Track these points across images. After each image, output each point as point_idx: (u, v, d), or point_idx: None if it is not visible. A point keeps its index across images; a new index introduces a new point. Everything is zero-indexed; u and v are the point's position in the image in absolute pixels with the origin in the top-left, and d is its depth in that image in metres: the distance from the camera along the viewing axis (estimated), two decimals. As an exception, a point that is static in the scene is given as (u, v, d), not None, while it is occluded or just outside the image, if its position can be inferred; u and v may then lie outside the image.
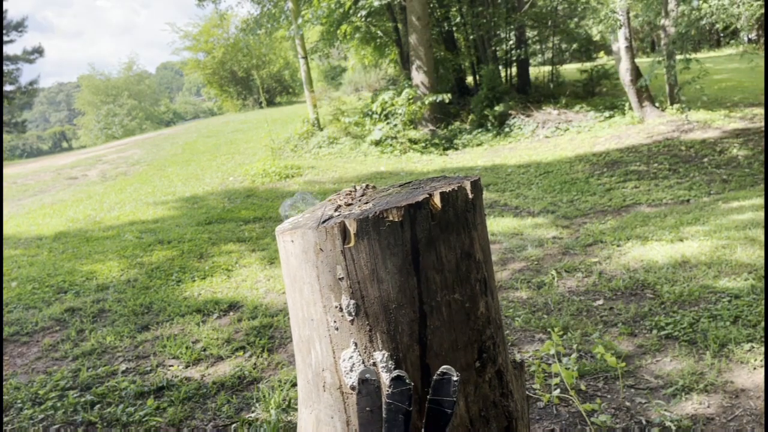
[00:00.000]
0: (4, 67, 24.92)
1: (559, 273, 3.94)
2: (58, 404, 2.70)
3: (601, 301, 3.39)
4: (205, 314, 3.79)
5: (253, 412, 2.54)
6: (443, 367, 0.78)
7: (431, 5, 13.82)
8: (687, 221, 4.90)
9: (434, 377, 0.78)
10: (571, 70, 15.88)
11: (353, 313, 0.81)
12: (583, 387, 2.47)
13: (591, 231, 5.05)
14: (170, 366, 3.07)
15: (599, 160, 8.74)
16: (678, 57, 10.08)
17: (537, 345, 2.92)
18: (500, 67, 14.68)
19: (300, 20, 12.65)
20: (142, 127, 34.86)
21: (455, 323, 0.84)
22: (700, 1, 9.39)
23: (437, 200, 0.81)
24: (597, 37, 15.97)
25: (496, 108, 12.46)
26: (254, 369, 2.94)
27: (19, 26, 25.27)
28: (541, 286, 3.73)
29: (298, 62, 14.98)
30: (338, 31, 14.70)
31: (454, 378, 0.76)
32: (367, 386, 0.79)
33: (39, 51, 26.29)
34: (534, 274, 3.99)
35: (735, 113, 10.71)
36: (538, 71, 16.09)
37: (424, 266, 0.81)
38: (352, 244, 0.80)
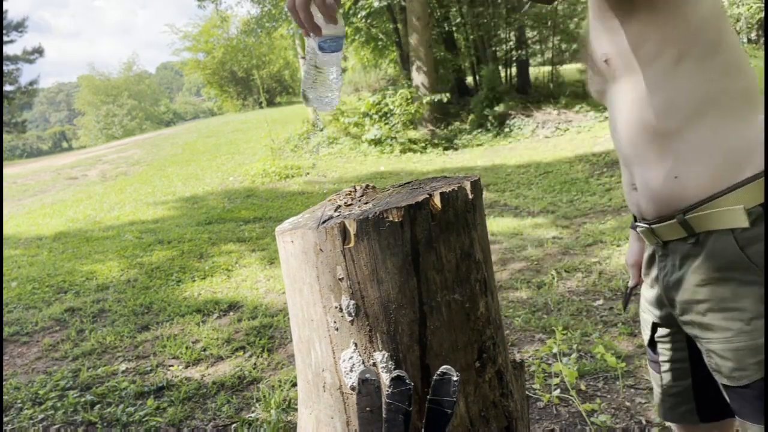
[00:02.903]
0: (4, 67, 24.92)
1: (559, 273, 3.94)
2: (58, 404, 2.70)
3: (601, 301, 3.39)
4: (205, 314, 3.79)
5: (253, 412, 2.54)
6: (443, 367, 0.78)
7: (431, 5, 13.81)
8: (687, 221, 4.89)
9: (434, 377, 0.78)
10: (571, 70, 15.87)
11: (353, 314, 0.81)
12: (583, 387, 2.48)
13: (591, 231, 5.05)
14: (170, 366, 3.07)
15: (599, 160, 8.74)
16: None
17: (537, 345, 2.92)
18: (500, 68, 14.67)
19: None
20: (142, 127, 34.89)
21: (455, 323, 0.84)
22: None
23: (437, 200, 0.81)
24: (597, 37, 15.94)
25: (496, 108, 12.46)
26: (254, 369, 2.94)
27: (19, 26, 25.29)
28: (541, 286, 3.73)
29: (298, 62, 14.97)
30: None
31: (454, 378, 0.76)
32: (367, 386, 0.79)
33: (39, 51, 26.30)
34: (534, 274, 3.99)
35: (735, 113, 10.69)
36: (538, 71, 16.08)
37: (424, 266, 0.81)
38: (352, 244, 0.80)
